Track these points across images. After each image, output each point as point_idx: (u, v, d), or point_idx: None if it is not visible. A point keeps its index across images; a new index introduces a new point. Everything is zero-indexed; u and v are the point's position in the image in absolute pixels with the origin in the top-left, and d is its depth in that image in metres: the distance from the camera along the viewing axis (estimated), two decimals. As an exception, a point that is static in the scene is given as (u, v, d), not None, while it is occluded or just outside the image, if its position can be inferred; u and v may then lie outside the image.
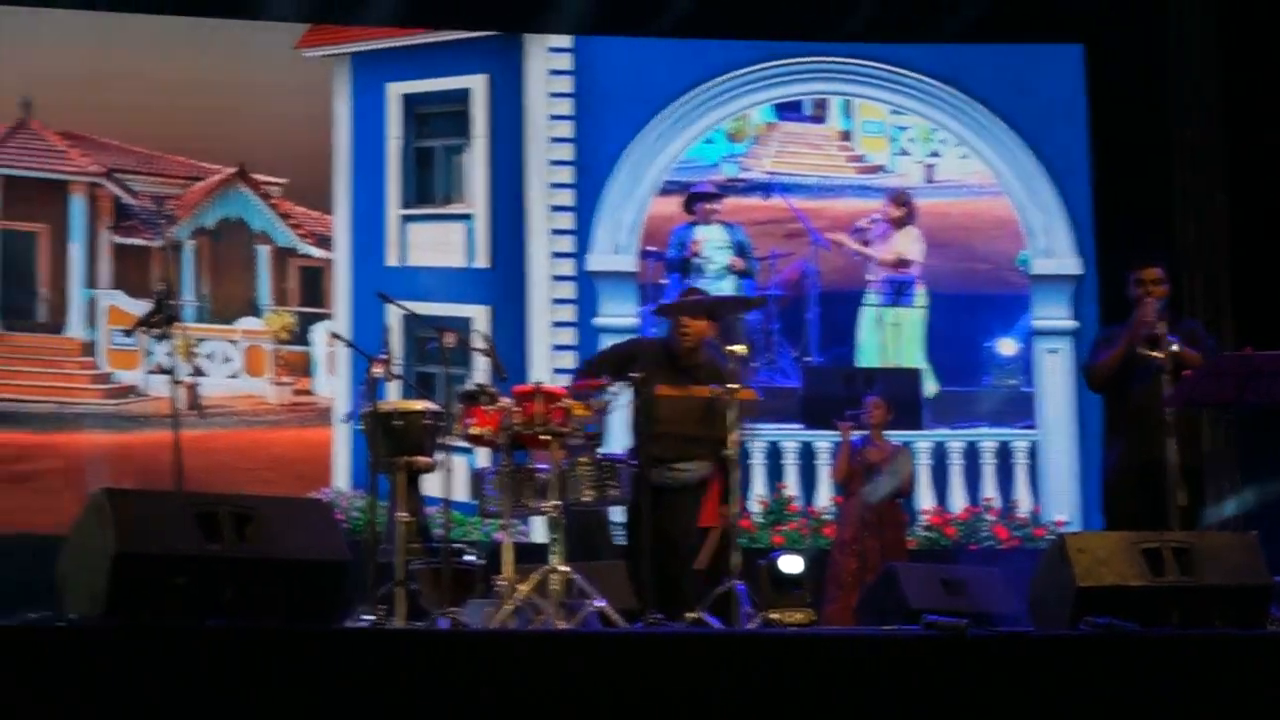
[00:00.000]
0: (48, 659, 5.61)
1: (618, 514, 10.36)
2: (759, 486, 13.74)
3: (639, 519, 9.00)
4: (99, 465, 12.98)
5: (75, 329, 13.54)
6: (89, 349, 13.54)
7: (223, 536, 6.29)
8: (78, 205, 13.62)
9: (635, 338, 12.24)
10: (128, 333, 12.54)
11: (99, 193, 13.66)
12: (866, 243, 14.16)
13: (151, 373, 13.29)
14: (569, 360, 13.43)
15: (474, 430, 8.84)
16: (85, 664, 5.62)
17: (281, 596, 6.24)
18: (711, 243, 14.08)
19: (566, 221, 13.98)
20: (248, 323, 13.87)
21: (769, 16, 13.78)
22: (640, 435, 9.14)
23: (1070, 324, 14.08)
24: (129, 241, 13.66)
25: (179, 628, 5.91)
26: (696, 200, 14.15)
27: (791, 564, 10.41)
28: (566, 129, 14.07)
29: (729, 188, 14.27)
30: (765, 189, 14.31)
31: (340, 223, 13.86)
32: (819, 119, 14.50)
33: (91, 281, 13.57)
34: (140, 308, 12.70)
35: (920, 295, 14.22)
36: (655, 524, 8.91)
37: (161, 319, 9.57)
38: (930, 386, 14.03)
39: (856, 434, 12.22)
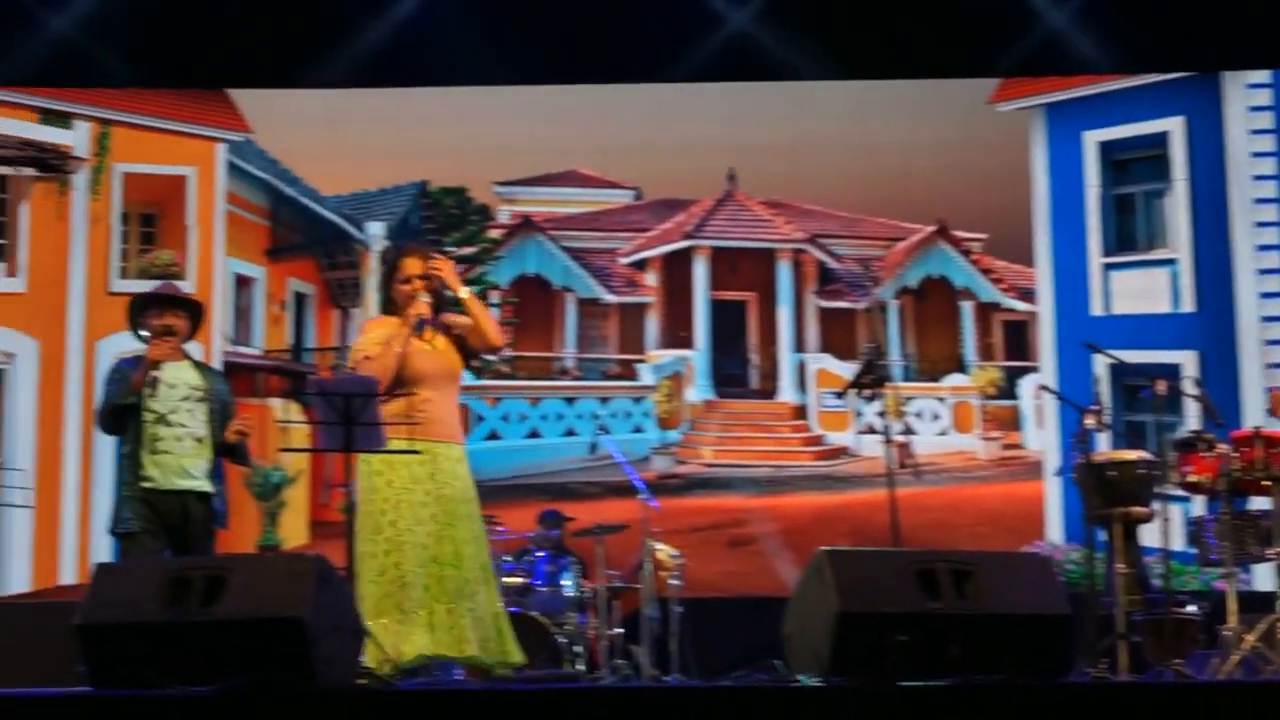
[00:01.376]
0: (776, 718, 5.68)
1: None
2: None
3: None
4: (816, 526, 13.19)
5: (786, 393, 13.86)
6: (800, 412, 13.82)
7: (943, 593, 6.26)
8: (784, 272, 13.96)
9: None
10: (839, 395, 12.73)
11: (803, 259, 13.96)
12: None
13: (862, 433, 13.48)
14: (1284, 403, 12.92)
15: (1191, 478, 8.63)
16: (813, 722, 5.67)
17: (1004, 653, 6.16)
18: None
19: (1273, 261, 13.46)
20: (955, 379, 13.90)
21: None
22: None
23: None
24: (834, 305, 13.91)
25: (904, 686, 5.91)
26: None
27: None
28: (1269, 166, 13.56)
29: None
30: None
31: (1042, 275, 13.73)
32: None
33: (799, 346, 13.86)
34: (847, 370, 12.93)
35: None
36: None
37: (872, 380, 9.69)
38: None
39: None
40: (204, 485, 8.51)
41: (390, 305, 8.26)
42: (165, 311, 8.63)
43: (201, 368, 8.79)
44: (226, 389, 8.88)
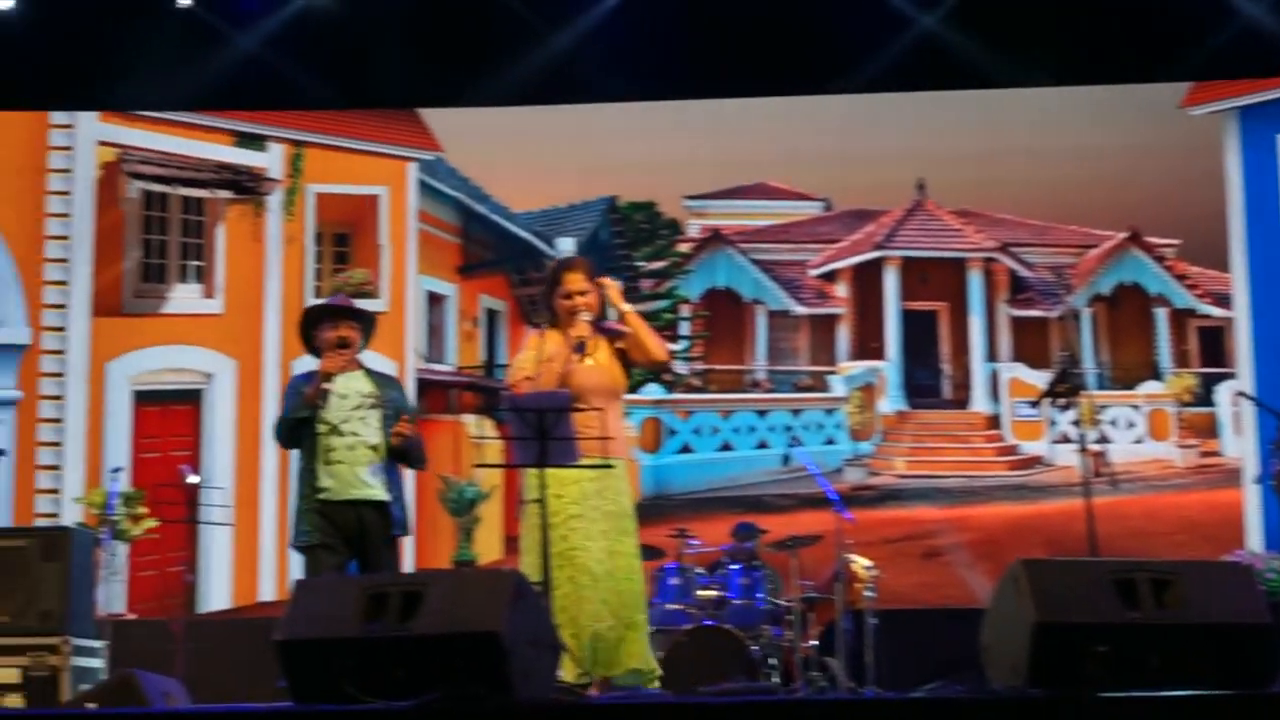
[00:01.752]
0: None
1: None
2: None
3: None
4: (1010, 537, 13.05)
5: (979, 403, 13.73)
6: (994, 422, 13.69)
7: (1141, 603, 6.14)
8: (975, 281, 13.84)
9: None
10: (1033, 404, 12.60)
11: (995, 267, 13.83)
12: None
13: (1056, 442, 13.32)
14: None
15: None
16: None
17: (1206, 663, 6.03)
18: None
19: None
20: (1150, 386, 13.69)
21: None
22: None
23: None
24: (1027, 314, 13.76)
25: (1104, 698, 5.81)
26: None
27: None
28: None
29: None
30: None
31: (1238, 280, 13.47)
32: None
33: (992, 355, 13.73)
34: (1041, 379, 12.78)
35: None
36: None
37: (1066, 388, 9.58)
38: None
39: None
40: (379, 494, 8.51)
41: (552, 318, 8.30)
42: (339, 324, 8.69)
43: (375, 376, 8.79)
44: (401, 395, 8.89)
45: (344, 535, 8.48)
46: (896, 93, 13.29)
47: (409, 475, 8.86)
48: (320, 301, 9.56)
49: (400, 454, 8.61)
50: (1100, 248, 13.76)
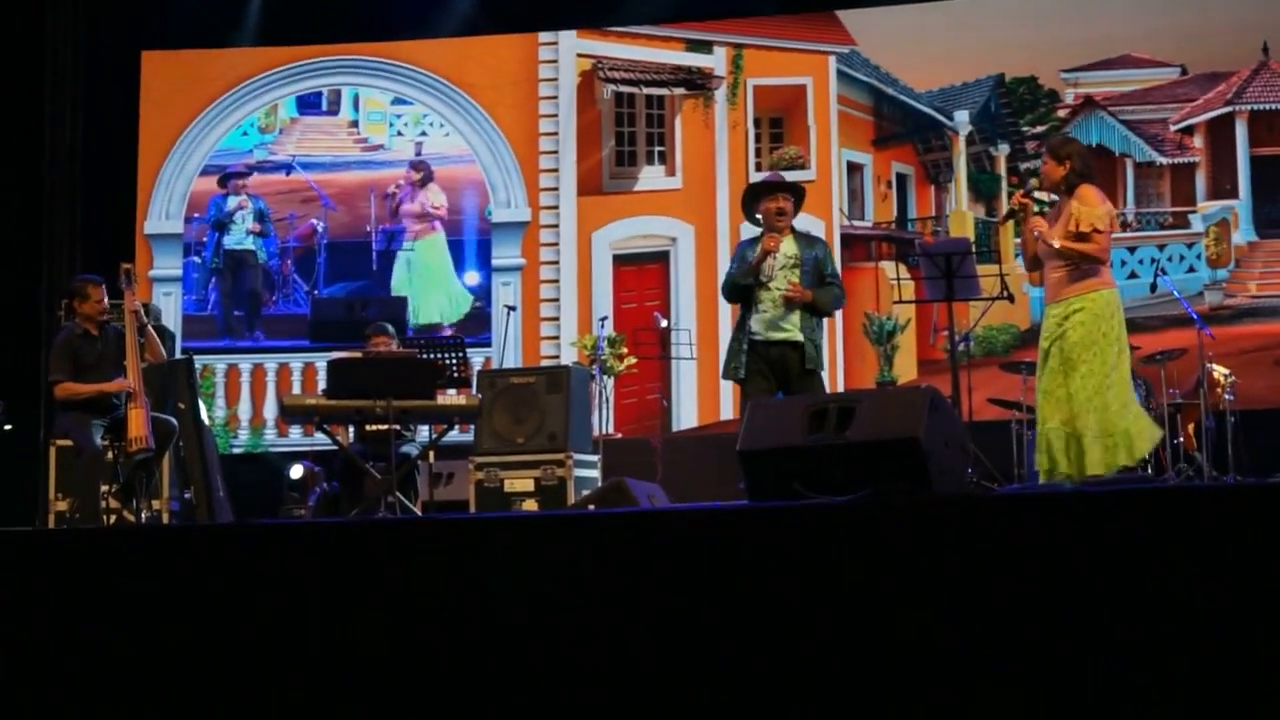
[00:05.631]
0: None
1: None
2: None
3: None
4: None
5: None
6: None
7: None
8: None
9: None
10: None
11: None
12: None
13: None
14: None
15: None
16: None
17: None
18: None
19: None
20: None
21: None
22: None
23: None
24: None
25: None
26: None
27: None
28: None
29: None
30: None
31: None
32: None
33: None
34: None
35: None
36: None
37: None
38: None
39: None
40: (795, 335, 8.54)
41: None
42: (778, 196, 8.72)
43: (801, 238, 8.77)
44: (824, 252, 8.80)
45: (769, 368, 8.58)
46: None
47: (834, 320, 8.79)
48: (760, 178, 9.55)
49: (810, 306, 8.60)
50: None
